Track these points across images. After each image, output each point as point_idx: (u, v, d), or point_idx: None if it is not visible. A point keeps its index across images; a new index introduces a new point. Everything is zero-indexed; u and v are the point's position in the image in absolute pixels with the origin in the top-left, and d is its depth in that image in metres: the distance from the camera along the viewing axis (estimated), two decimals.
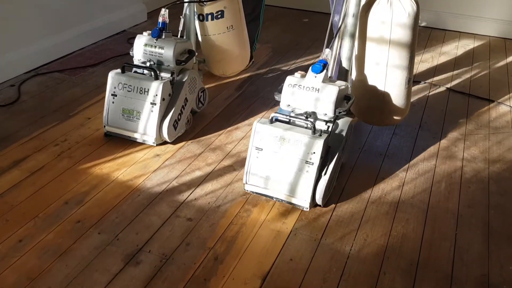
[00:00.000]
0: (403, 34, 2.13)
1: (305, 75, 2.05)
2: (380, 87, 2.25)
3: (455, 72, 3.39)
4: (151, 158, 2.33)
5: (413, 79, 2.35)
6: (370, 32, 2.18)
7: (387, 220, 2.01)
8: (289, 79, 2.05)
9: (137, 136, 2.40)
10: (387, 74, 2.20)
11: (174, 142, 2.45)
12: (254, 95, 3.00)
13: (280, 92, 2.07)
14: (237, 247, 1.83)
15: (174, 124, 2.40)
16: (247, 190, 2.07)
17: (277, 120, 2.02)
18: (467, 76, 3.34)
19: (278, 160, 1.97)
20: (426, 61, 3.56)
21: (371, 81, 2.26)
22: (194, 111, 2.62)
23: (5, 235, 1.84)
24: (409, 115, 2.79)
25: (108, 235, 1.87)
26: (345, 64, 2.21)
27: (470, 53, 3.73)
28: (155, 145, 2.40)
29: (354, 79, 2.34)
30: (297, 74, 2.07)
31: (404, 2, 2.12)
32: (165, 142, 2.44)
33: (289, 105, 2.05)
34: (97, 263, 1.74)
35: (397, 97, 2.26)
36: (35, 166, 2.23)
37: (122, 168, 2.25)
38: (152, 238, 1.86)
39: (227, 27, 2.74)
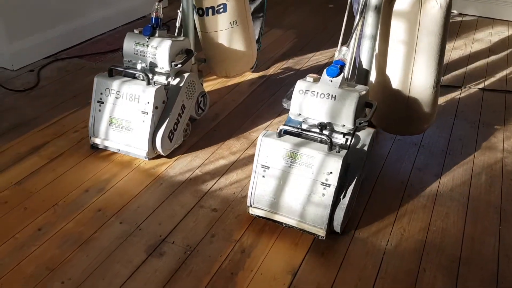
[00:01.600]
0: (433, 29, 1.82)
1: (319, 78, 1.74)
2: (404, 90, 1.93)
3: (490, 59, 3.21)
4: (175, 148, 2.24)
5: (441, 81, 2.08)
6: (394, 27, 1.86)
7: (425, 214, 1.88)
8: (300, 84, 1.74)
9: (128, 149, 2.10)
10: (412, 75, 1.89)
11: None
12: (277, 85, 2.88)
13: (289, 98, 1.77)
14: (265, 240, 1.73)
15: (170, 135, 2.08)
16: (251, 214, 1.78)
17: (286, 132, 1.72)
18: (503, 66, 3.16)
19: (288, 180, 1.68)
20: (459, 48, 3.39)
21: (394, 84, 1.94)
22: (193, 118, 2.29)
23: (23, 223, 1.76)
24: (444, 104, 2.65)
25: (130, 225, 1.78)
26: (365, 64, 1.87)
27: (505, 41, 3.55)
28: (147, 159, 2.09)
29: (373, 81, 2.01)
30: (309, 78, 1.75)
31: None
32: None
33: (300, 114, 1.75)
34: (118, 254, 1.65)
35: (424, 101, 1.94)
36: (55, 152, 2.15)
37: (137, 161, 2.16)
38: (175, 228, 1.77)
39: (231, 23, 2.38)
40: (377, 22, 1.79)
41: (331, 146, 1.63)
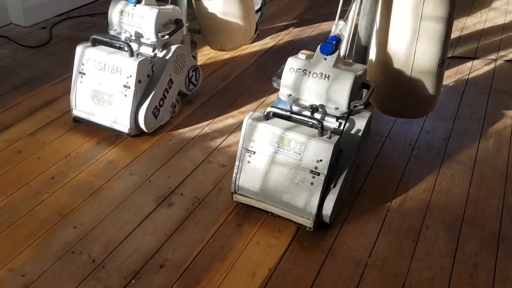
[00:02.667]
0: (439, 2, 1.66)
1: (312, 55, 1.60)
2: (406, 71, 1.78)
3: (506, 29, 3.16)
4: (184, 104, 2.26)
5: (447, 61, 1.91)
6: (396, 1, 1.72)
7: (430, 174, 1.89)
8: (291, 62, 1.60)
9: (110, 124, 1.97)
10: (415, 55, 1.74)
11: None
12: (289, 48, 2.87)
13: (279, 77, 1.62)
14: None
15: (155, 112, 1.96)
16: (236, 202, 1.67)
17: (274, 115, 1.58)
18: None
19: (274, 166, 1.56)
20: (474, 16, 3.33)
21: (395, 64, 1.79)
22: (184, 93, 2.17)
23: (37, 172, 1.81)
24: (456, 71, 2.63)
25: (140, 176, 1.82)
26: (363, 40, 1.72)
27: None
28: (129, 136, 1.97)
29: (372, 59, 1.87)
30: (301, 55, 1.62)
31: None
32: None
33: (290, 95, 1.61)
34: (129, 203, 1.70)
35: (427, 83, 1.80)
36: (67, 107, 2.18)
37: None
38: (184, 181, 1.81)
39: None
40: None
41: (322, 131, 1.50)
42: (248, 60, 2.69)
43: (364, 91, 1.67)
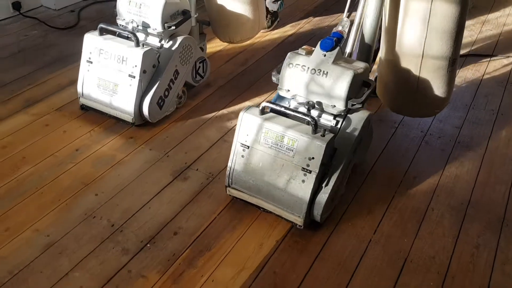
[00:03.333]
0: (449, 1, 1.59)
1: (312, 51, 1.58)
2: (415, 70, 1.71)
3: None
4: (203, 87, 2.34)
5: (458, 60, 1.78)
6: None
7: (440, 160, 1.93)
8: (290, 57, 1.59)
9: (115, 113, 1.99)
10: (424, 53, 1.67)
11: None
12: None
13: (279, 72, 1.61)
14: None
15: (159, 102, 1.96)
16: (229, 195, 1.66)
17: (272, 110, 1.56)
18: None
19: (268, 162, 1.54)
20: (496, 13, 3.31)
21: (403, 62, 1.73)
22: (190, 84, 2.17)
23: (62, 144, 1.92)
24: (473, 65, 2.64)
25: (159, 152, 1.92)
26: (368, 38, 1.69)
27: None
28: (133, 125, 1.98)
29: (381, 56, 1.83)
30: (301, 51, 1.60)
31: None
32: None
33: (288, 91, 1.59)
34: (147, 175, 1.79)
35: (436, 83, 1.73)
36: None
37: None
38: (199, 158, 1.89)
39: None
40: None
41: (316, 128, 1.47)
42: (267, 47, 2.75)
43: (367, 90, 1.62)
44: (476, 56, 2.69)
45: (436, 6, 1.59)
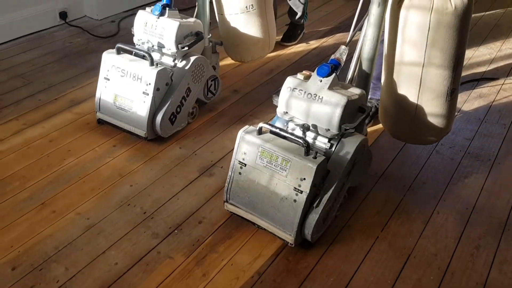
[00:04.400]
0: (446, 34, 1.60)
1: (310, 76, 1.65)
2: (412, 98, 1.73)
3: None
4: (231, 93, 2.52)
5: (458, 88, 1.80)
6: (403, 27, 1.66)
7: (449, 168, 2.05)
8: (289, 81, 1.66)
9: (129, 128, 2.09)
10: (421, 83, 1.69)
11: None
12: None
13: (278, 95, 1.68)
14: None
15: (171, 118, 2.06)
16: (227, 210, 1.74)
17: (271, 131, 1.63)
18: None
19: (263, 181, 1.60)
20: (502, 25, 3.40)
21: (402, 90, 1.75)
22: (202, 101, 2.27)
23: (102, 140, 2.13)
24: (487, 85, 2.74)
25: (188, 150, 2.10)
26: (365, 65, 1.71)
27: None
28: (146, 139, 2.07)
29: (382, 82, 1.85)
30: (300, 75, 1.66)
31: None
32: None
33: (286, 113, 1.67)
34: (176, 171, 1.98)
35: (434, 112, 1.75)
36: None
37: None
38: (224, 157, 2.07)
39: (246, 7, 2.27)
40: (379, 21, 1.64)
41: (308, 151, 1.53)
42: (292, 59, 2.92)
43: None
44: (489, 79, 2.72)
45: (433, 40, 1.62)
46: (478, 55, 3.01)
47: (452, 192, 1.92)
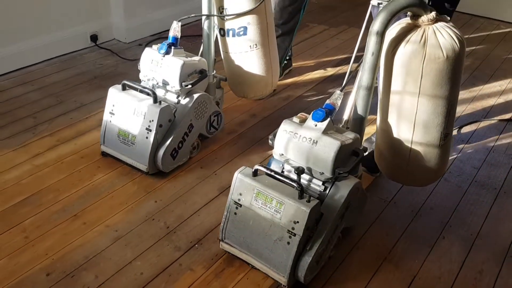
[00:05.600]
0: (438, 81, 1.64)
1: (306, 119, 1.70)
2: (406, 143, 1.77)
3: None
4: (250, 117, 2.67)
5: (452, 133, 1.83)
6: (396, 76, 1.69)
7: (456, 194, 2.16)
8: (285, 124, 1.70)
9: (131, 162, 2.15)
10: (414, 128, 1.73)
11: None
12: None
13: (275, 136, 1.72)
14: None
15: (173, 153, 2.12)
16: (222, 249, 1.77)
17: (267, 173, 1.66)
18: None
19: (257, 222, 1.64)
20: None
21: (396, 134, 1.78)
22: (205, 136, 2.34)
23: None
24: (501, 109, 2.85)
25: (208, 170, 2.24)
26: (360, 109, 1.74)
27: None
28: (147, 174, 2.14)
29: (377, 125, 1.88)
30: (296, 119, 1.71)
31: (443, 40, 1.60)
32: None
33: (282, 155, 1.71)
34: (197, 189, 2.12)
35: (428, 156, 1.78)
36: None
37: (226, 119, 2.58)
38: None
39: (250, 46, 2.30)
40: (373, 69, 1.66)
41: (302, 194, 1.56)
42: (308, 85, 3.07)
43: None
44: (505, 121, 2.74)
45: (425, 87, 1.66)
46: (488, 87, 3.13)
47: (458, 218, 2.03)
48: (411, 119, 1.72)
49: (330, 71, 3.27)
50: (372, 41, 1.61)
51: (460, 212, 2.06)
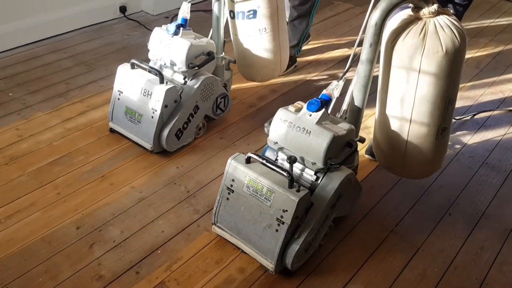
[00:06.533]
0: (436, 76, 1.61)
1: (301, 109, 1.69)
2: (403, 135, 1.76)
3: None
4: (270, 91, 2.76)
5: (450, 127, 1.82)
6: (395, 67, 1.67)
7: (466, 176, 2.23)
8: (280, 112, 1.70)
9: (137, 140, 2.20)
10: (411, 121, 1.72)
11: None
12: None
13: (270, 124, 1.72)
14: None
15: (177, 133, 2.15)
16: (214, 233, 1.81)
17: (263, 158, 1.66)
18: None
19: (248, 208, 1.67)
20: None
21: (393, 126, 1.77)
22: (211, 118, 2.35)
23: None
24: None
25: (228, 141, 2.36)
26: (357, 101, 1.72)
27: None
28: (152, 152, 2.18)
29: (376, 116, 1.87)
30: (291, 107, 1.71)
31: (444, 34, 1.57)
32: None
33: (276, 143, 1.71)
34: (217, 158, 2.24)
35: (424, 149, 1.77)
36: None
37: (247, 93, 2.71)
38: (260, 149, 2.31)
39: (259, 30, 2.28)
40: (371, 60, 1.63)
41: (292, 183, 1.58)
42: (329, 63, 3.13)
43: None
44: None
45: (422, 81, 1.64)
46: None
47: (466, 197, 2.10)
48: (408, 112, 1.70)
49: (352, 50, 3.30)
50: (370, 32, 1.57)
51: (469, 192, 2.13)
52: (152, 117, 2.10)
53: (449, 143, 2.38)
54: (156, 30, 2.21)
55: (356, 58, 1.74)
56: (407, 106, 1.70)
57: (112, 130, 2.32)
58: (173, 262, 1.72)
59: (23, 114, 2.45)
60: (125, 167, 2.13)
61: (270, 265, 1.66)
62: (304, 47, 3.14)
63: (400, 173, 1.94)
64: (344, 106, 1.78)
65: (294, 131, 1.65)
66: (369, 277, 1.72)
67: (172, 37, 2.14)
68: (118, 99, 2.22)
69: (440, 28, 1.59)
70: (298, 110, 1.69)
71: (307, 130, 1.62)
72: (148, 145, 2.16)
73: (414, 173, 1.91)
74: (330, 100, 1.68)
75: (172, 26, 2.14)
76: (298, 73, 2.99)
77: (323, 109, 1.65)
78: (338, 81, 1.72)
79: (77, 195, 1.97)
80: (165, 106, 2.09)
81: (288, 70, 2.96)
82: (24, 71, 2.80)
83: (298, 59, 3.06)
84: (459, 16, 2.40)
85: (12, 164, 2.11)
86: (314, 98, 1.66)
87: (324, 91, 1.70)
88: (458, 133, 2.51)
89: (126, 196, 1.99)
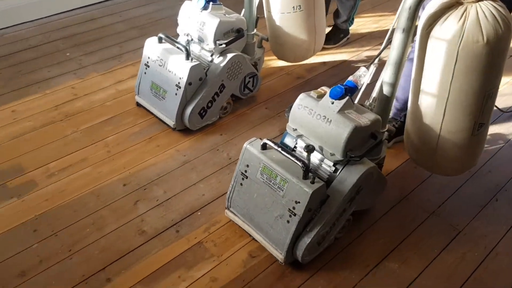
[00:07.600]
0: (474, 67, 1.47)
1: (324, 95, 1.58)
2: (435, 129, 1.63)
3: None
4: (319, 64, 2.72)
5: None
6: (429, 57, 1.54)
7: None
8: (301, 98, 1.60)
9: (160, 116, 2.16)
10: (445, 114, 1.59)
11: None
12: None
13: (290, 109, 1.63)
14: None
15: (201, 112, 2.09)
16: (227, 217, 1.77)
17: (281, 144, 1.59)
18: None
19: (261, 196, 1.60)
20: None
21: (425, 119, 1.65)
22: (238, 97, 2.28)
23: None
24: None
25: (272, 111, 2.37)
26: (386, 89, 1.60)
27: None
28: (174, 129, 2.14)
29: (408, 107, 1.74)
30: (313, 93, 1.59)
31: (486, 22, 1.42)
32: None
33: (295, 130, 1.62)
34: (260, 128, 2.26)
35: (458, 145, 1.64)
36: None
37: (296, 64, 2.67)
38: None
39: (293, 7, 2.18)
40: (402, 47, 1.52)
41: (307, 174, 1.49)
42: (384, 38, 3.03)
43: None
44: None
45: (459, 72, 1.50)
46: None
47: None
48: (442, 105, 1.57)
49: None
50: (403, 17, 1.46)
51: None
52: (176, 94, 2.05)
53: (500, 132, 2.29)
54: (186, 3, 2.14)
55: (389, 44, 1.62)
56: (441, 98, 1.57)
57: (138, 104, 2.29)
58: (211, 224, 1.78)
59: (79, 74, 2.55)
60: (171, 131, 2.19)
61: (280, 256, 1.60)
62: (359, 19, 3.05)
63: (430, 168, 1.81)
64: (374, 94, 1.68)
65: (315, 118, 1.54)
66: (404, 256, 1.71)
67: (201, 12, 2.07)
68: (145, 73, 2.18)
69: (482, 14, 1.43)
70: (321, 96, 1.58)
71: (328, 119, 1.52)
72: (171, 122, 2.12)
73: (445, 170, 1.78)
74: (355, 87, 1.56)
75: (201, 1, 2.06)
76: (350, 46, 2.92)
77: (347, 97, 1.53)
78: (367, 67, 1.60)
79: (125, 154, 2.06)
80: (189, 83, 2.02)
81: (341, 42, 2.91)
82: (81, 33, 2.91)
83: (352, 32, 2.99)
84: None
85: (67, 120, 2.23)
86: (338, 85, 1.55)
87: (350, 77, 1.59)
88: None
89: (171, 158, 2.06)
